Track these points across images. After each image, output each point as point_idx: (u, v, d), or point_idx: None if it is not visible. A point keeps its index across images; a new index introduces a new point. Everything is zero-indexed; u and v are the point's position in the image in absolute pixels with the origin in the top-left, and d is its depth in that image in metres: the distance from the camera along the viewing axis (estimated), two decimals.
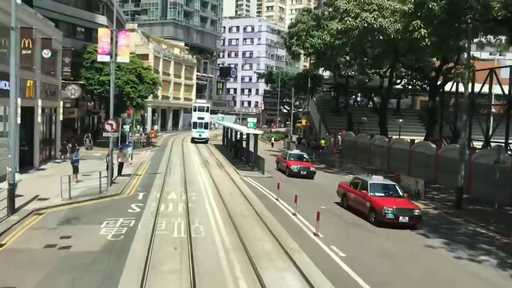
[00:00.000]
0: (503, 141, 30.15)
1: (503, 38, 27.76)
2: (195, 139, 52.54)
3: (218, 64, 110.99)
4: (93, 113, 50.57)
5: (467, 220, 19.92)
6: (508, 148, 29.46)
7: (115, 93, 36.18)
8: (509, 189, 22.47)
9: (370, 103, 65.04)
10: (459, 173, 21.94)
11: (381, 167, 36.26)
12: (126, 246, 13.25)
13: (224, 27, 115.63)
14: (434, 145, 30.17)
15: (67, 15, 42.33)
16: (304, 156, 31.01)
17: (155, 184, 23.93)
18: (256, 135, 31.91)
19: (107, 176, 22.26)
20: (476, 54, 34.20)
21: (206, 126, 52.82)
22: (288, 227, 16.40)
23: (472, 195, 24.87)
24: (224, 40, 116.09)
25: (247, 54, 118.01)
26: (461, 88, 37.10)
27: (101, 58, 22.07)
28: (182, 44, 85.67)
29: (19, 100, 23.78)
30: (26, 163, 26.34)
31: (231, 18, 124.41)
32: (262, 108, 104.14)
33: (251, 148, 33.52)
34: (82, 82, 36.19)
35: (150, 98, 55.97)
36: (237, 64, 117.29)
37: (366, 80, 38.86)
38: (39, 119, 27.62)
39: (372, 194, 18.15)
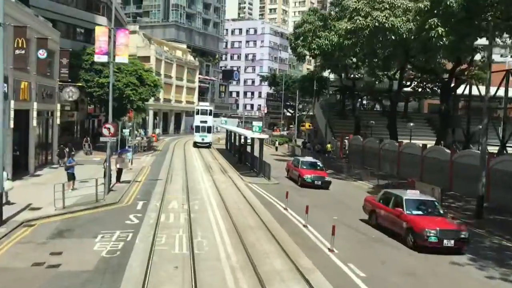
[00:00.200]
0: None
1: None
2: (197, 144, 50.64)
3: (221, 67, 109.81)
4: (93, 116, 49.31)
5: (490, 231, 18.53)
6: None
7: (115, 96, 35.18)
8: None
9: (377, 106, 63.83)
10: (479, 181, 20.55)
11: (391, 173, 34.88)
12: (122, 264, 11.93)
13: (227, 30, 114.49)
14: (448, 150, 28.76)
15: (66, 15, 41.16)
16: (318, 163, 28.37)
17: (155, 192, 22.60)
18: (261, 140, 30.52)
19: (104, 184, 21.02)
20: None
21: (209, 130, 50.96)
22: (299, 241, 15.04)
23: (491, 203, 23.47)
24: (226, 42, 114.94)
25: (250, 57, 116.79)
26: (474, 91, 35.90)
27: (98, 58, 20.80)
28: (184, 46, 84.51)
29: (12, 102, 22.69)
30: (20, 169, 25.13)
31: (233, 20, 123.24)
32: (265, 111, 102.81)
33: (256, 153, 32.18)
34: (80, 84, 34.92)
35: (151, 101, 54.84)
36: (239, 67, 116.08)
37: (377, 83, 37.43)
38: (34, 122, 26.39)
39: (408, 212, 15.61)
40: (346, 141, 45.24)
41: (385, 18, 26.61)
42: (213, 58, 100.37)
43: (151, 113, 68.00)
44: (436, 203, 16.77)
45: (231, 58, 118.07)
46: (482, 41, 27.47)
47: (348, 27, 27.63)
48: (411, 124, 37.52)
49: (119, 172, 24.62)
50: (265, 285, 10.83)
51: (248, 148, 36.45)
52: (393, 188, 28.77)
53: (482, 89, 37.09)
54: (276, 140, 58.93)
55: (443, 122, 32.27)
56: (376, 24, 26.27)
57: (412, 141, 37.06)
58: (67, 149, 31.07)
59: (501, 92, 31.94)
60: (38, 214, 17.12)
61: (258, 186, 26.25)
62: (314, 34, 36.06)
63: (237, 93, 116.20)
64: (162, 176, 28.22)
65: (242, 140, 37.78)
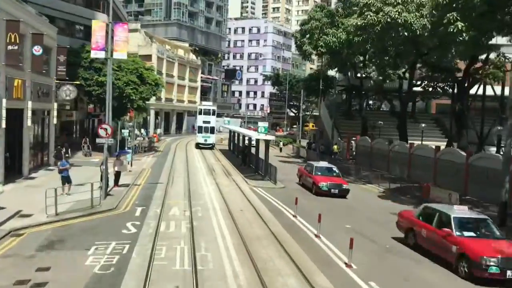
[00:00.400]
0: None
1: None
2: (200, 145, 48.77)
3: (223, 66, 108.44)
4: (93, 115, 48.00)
5: None
6: None
7: (115, 95, 33.90)
8: None
9: (383, 106, 62.39)
10: (502, 186, 19.18)
11: (401, 176, 33.51)
12: (116, 284, 10.60)
13: (230, 29, 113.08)
14: (463, 153, 27.36)
15: (65, 12, 39.82)
16: (334, 169, 25.87)
17: (156, 197, 21.27)
18: (267, 141, 29.15)
19: (101, 187, 19.72)
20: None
21: (212, 130, 49.19)
22: (312, 254, 13.68)
23: None
24: (229, 41, 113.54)
25: (253, 56, 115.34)
26: (489, 90, 34.57)
27: (95, 54, 19.49)
28: (187, 45, 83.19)
29: (4, 101, 21.40)
30: (13, 171, 23.87)
31: (236, 19, 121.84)
32: (268, 111, 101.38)
33: (261, 155, 30.83)
34: (78, 82, 33.60)
35: (152, 100, 53.57)
36: (242, 66, 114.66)
37: (387, 81, 36.00)
38: (29, 122, 25.09)
39: (459, 233, 13.09)
40: (353, 142, 43.87)
41: (397, 13, 25.22)
42: (216, 57, 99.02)
43: (152, 112, 66.74)
44: (491, 223, 14.05)
45: (234, 57, 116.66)
46: (497, 39, 26.18)
47: (359, 23, 26.24)
48: (423, 125, 36.06)
49: (117, 175, 23.33)
50: None
51: (252, 149, 35.11)
52: (405, 191, 27.57)
53: (497, 88, 35.82)
54: (281, 141, 57.53)
55: (457, 122, 30.83)
56: (388, 20, 24.87)
57: (418, 142, 35.70)
58: (64, 150, 29.85)
59: None
60: (28, 221, 15.82)
61: (263, 190, 24.91)
62: (321, 31, 34.68)
63: (240, 92, 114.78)
64: (163, 179, 26.90)
65: (246, 141, 36.37)
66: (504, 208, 19.12)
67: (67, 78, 30.31)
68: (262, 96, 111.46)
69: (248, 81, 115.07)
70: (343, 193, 24.08)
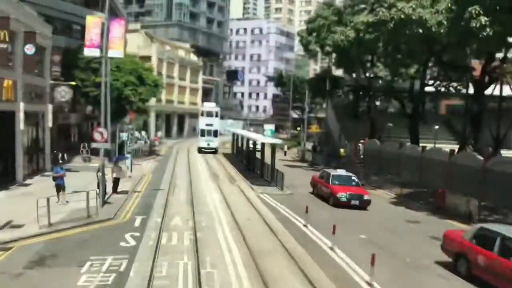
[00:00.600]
0: None
1: None
2: (202, 149, 46.31)
3: (225, 67, 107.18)
4: (92, 118, 46.72)
5: None
6: None
7: (113, 96, 32.55)
8: None
9: (390, 107, 60.88)
10: None
11: (412, 180, 32.06)
12: None
13: (231, 29, 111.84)
14: (480, 157, 25.97)
15: (63, 11, 38.58)
16: (353, 178, 23.59)
17: (156, 205, 19.94)
18: (274, 145, 27.78)
19: (98, 195, 18.44)
20: None
21: (215, 134, 46.68)
22: (328, 270, 12.35)
23: None
24: (231, 42, 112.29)
25: (255, 57, 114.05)
26: (506, 90, 33.10)
27: (89, 52, 18.22)
28: (188, 46, 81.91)
29: None
30: (6, 178, 22.61)
31: (238, 20, 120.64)
32: (271, 113, 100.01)
33: (267, 159, 29.47)
34: (73, 83, 32.26)
35: (153, 102, 52.28)
36: (244, 67, 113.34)
37: (400, 81, 34.57)
38: (21, 125, 23.77)
39: None
40: (360, 145, 42.45)
41: (411, 9, 23.86)
42: (217, 58, 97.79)
43: (153, 115, 65.45)
44: None
45: (236, 58, 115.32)
46: None
47: (370, 20, 24.92)
48: (436, 127, 34.59)
49: (116, 181, 22.02)
50: None
51: (257, 153, 33.76)
52: (418, 197, 26.21)
53: None
54: (285, 144, 56.07)
55: (473, 124, 29.40)
56: (402, 16, 23.52)
57: (427, 145, 34.30)
58: (60, 155, 28.64)
59: None
60: (18, 233, 14.55)
61: (270, 197, 23.56)
62: (329, 30, 33.35)
63: (242, 94, 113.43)
64: (164, 185, 25.57)
65: (251, 145, 34.97)
66: None
67: (62, 79, 29.01)
68: (265, 97, 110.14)
69: (250, 82, 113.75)
70: (364, 205, 21.77)
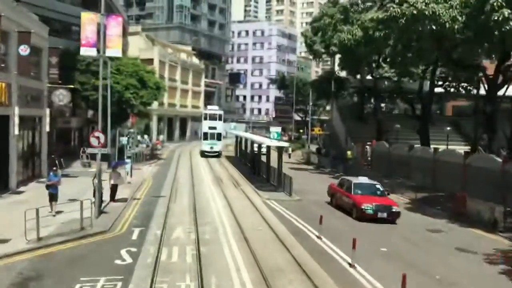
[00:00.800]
0: None
1: None
2: (205, 153, 44.88)
3: (227, 70, 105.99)
4: (93, 122, 45.48)
5: None
6: None
7: (113, 100, 31.38)
8: None
9: (395, 108, 59.59)
10: None
11: (424, 184, 30.65)
12: None
13: (233, 32, 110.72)
14: (498, 159, 24.57)
15: (61, 12, 37.44)
16: (377, 186, 20.98)
17: (156, 214, 18.62)
18: (280, 148, 26.45)
19: (93, 204, 17.16)
20: None
21: (219, 137, 45.37)
22: None
23: None
24: (232, 45, 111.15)
25: (257, 60, 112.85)
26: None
27: (85, 51, 16.97)
28: (189, 48, 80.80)
29: None
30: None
31: (240, 22, 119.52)
32: (273, 116, 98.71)
33: (273, 163, 28.13)
34: (72, 86, 31.03)
35: (155, 105, 51.06)
36: (246, 70, 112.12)
37: (408, 82, 33.23)
38: (16, 130, 22.54)
39: None
40: (367, 147, 41.08)
41: (424, 4, 22.51)
42: (219, 61, 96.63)
43: (155, 118, 64.29)
44: None
45: (238, 61, 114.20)
46: None
47: (380, 17, 23.57)
48: (448, 128, 33.19)
49: (114, 188, 20.72)
50: None
51: (261, 156, 32.42)
52: (433, 202, 24.78)
53: None
54: (289, 147, 54.68)
55: (488, 125, 28.00)
56: (414, 11, 22.18)
57: (433, 146, 32.88)
58: (57, 161, 27.35)
59: None
60: (3, 249, 13.21)
61: (277, 203, 22.21)
62: (334, 28, 32.00)
63: (244, 97, 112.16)
64: (165, 191, 24.26)
65: (256, 148, 33.64)
66: None
67: (60, 81, 27.77)
68: (267, 100, 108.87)
69: (252, 85, 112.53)
70: (393, 217, 19.01)
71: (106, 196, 19.85)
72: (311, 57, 50.24)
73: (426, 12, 22.52)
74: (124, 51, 39.55)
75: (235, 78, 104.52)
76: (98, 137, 17.33)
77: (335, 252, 14.19)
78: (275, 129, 27.99)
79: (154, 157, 42.67)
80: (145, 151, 44.51)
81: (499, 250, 15.68)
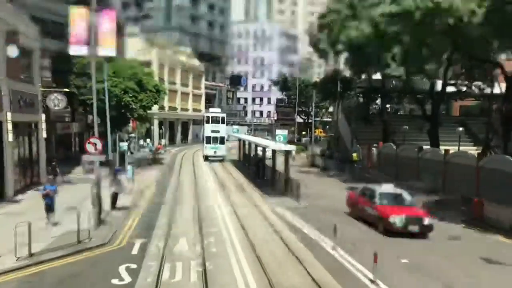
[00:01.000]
0: None
1: None
2: (209, 157, 43.46)
3: (228, 72, 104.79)
4: (93, 127, 44.36)
5: None
6: None
7: (112, 104, 30.26)
8: None
9: (400, 109, 58.46)
10: None
11: (434, 187, 29.46)
12: None
13: (233, 32, 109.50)
14: None
15: (53, 13, 36.11)
16: (404, 195, 18.53)
17: (159, 225, 17.48)
18: (287, 152, 25.28)
19: (93, 212, 16.12)
20: None
21: (222, 141, 43.74)
22: None
23: None
24: (233, 46, 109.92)
25: (258, 61, 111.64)
26: None
27: (74, 50, 15.66)
28: (189, 50, 79.65)
29: None
30: None
31: (240, 22, 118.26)
32: (275, 118, 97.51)
33: (279, 167, 26.98)
34: (67, 90, 29.95)
35: (156, 109, 49.98)
36: (247, 72, 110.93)
37: (417, 81, 32.04)
38: (10, 137, 21.49)
39: None
40: (374, 149, 39.94)
41: None
42: (219, 62, 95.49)
43: (156, 122, 63.19)
44: None
45: (238, 62, 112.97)
46: None
47: (392, 10, 22.44)
48: (460, 128, 31.93)
49: (114, 197, 19.68)
50: None
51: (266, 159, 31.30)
52: (447, 206, 23.62)
53: None
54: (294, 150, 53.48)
55: (507, 125, 26.80)
56: (430, 5, 21.04)
57: (441, 147, 31.71)
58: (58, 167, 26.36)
59: None
60: None
61: (286, 210, 21.04)
62: (342, 25, 30.71)
63: (245, 99, 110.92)
64: (167, 199, 23.12)
65: (260, 152, 32.44)
66: None
67: (54, 85, 26.66)
68: (269, 102, 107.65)
69: (253, 87, 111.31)
70: (425, 231, 16.80)
71: (107, 204, 18.76)
72: (313, 58, 49.15)
73: (443, 5, 21.37)
74: (122, 53, 38.50)
75: (236, 81, 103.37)
76: (95, 144, 16.23)
77: (352, 265, 13.09)
78: (281, 132, 26.70)
79: (156, 162, 41.54)
80: (148, 156, 43.46)
81: None
